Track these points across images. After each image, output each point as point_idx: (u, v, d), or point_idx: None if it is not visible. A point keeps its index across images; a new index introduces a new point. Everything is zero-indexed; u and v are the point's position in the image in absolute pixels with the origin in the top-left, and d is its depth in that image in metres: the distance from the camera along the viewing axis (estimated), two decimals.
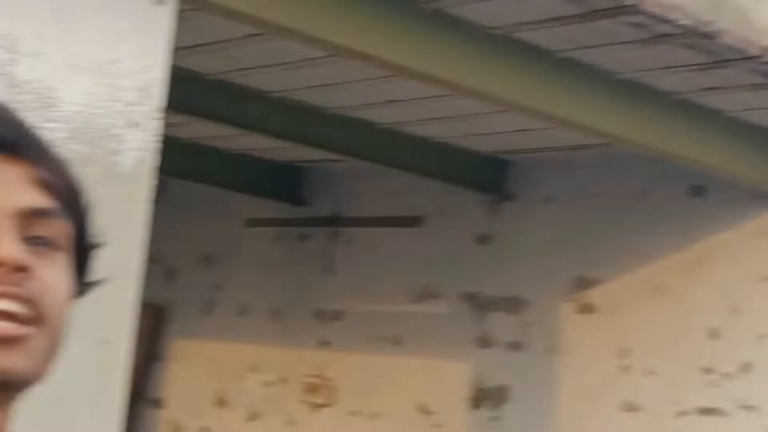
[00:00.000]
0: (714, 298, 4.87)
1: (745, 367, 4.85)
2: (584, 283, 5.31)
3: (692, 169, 4.78)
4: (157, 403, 7.23)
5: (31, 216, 0.98)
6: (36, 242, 0.96)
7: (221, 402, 6.83)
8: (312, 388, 6.35)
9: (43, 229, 0.98)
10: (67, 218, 1.00)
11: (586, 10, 3.80)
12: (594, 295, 5.26)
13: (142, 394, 6.97)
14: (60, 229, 0.99)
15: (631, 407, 5.09)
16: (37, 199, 0.99)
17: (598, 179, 5.34)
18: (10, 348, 0.93)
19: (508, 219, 5.68)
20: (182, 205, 6.39)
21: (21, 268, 0.93)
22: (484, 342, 5.64)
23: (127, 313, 3.08)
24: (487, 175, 5.69)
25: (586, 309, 5.28)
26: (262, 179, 6.56)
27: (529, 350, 5.47)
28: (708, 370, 4.86)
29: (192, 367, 7.04)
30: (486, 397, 5.58)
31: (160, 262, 6.53)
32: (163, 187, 3.21)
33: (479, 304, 5.70)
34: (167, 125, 3.25)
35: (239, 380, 6.75)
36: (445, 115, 5.06)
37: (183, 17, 3.27)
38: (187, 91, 3.77)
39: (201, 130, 5.64)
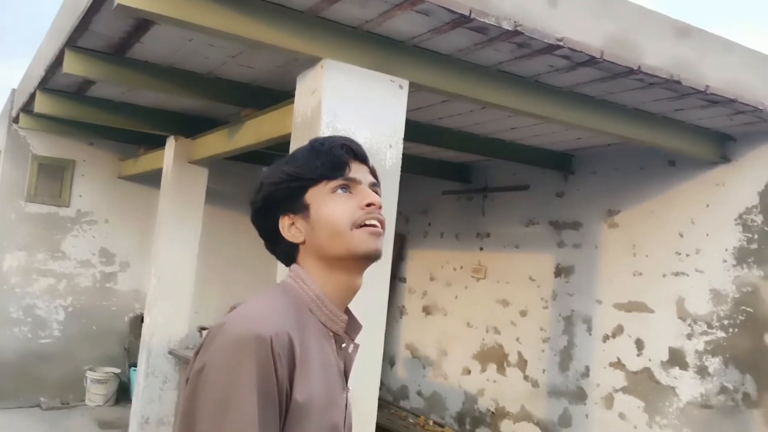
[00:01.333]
0: (680, 218, 4.71)
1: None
2: (612, 213, 5.20)
3: (668, 152, 4.64)
4: (403, 279, 7.37)
5: (372, 186, 1.20)
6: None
7: (432, 278, 6.99)
8: (476, 269, 6.42)
9: (376, 191, 1.20)
10: (379, 187, 1.23)
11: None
12: (617, 219, 5.16)
13: (397, 276, 7.15)
14: (379, 192, 1.21)
15: (636, 273, 4.92)
16: (373, 179, 1.22)
17: (618, 160, 5.20)
18: (378, 239, 1.16)
19: (572, 183, 5.61)
20: (412, 186, 5.97)
21: (380, 206, 1.17)
22: (561, 244, 5.60)
23: (390, 237, 2.98)
24: (561, 162, 5.58)
25: (613, 225, 5.18)
26: (450, 170, 6.58)
27: (583, 248, 5.40)
28: (678, 253, 4.70)
29: (418, 263, 7.25)
30: (562, 271, 5.57)
31: (402, 213, 6.72)
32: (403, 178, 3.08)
33: (558, 226, 5.65)
34: (405, 148, 3.13)
35: (440, 268, 6.89)
36: (539, 133, 4.96)
37: (411, 94, 3.11)
38: (412, 130, 3.43)
39: (423, 150, 5.49)
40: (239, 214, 7.16)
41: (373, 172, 1.22)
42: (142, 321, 5.98)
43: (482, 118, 4.67)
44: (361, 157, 1.20)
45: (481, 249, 6.45)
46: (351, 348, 1.19)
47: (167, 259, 5.29)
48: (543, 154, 5.53)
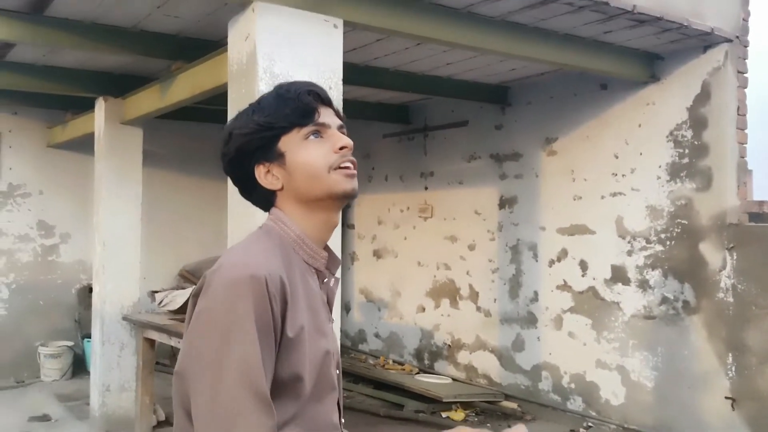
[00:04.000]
0: (615, 140, 4.83)
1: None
2: (550, 141, 5.30)
3: (600, 75, 4.79)
4: (351, 226, 7.37)
5: (340, 128, 1.23)
6: None
7: (380, 222, 7.03)
8: (422, 209, 6.47)
9: (343, 133, 1.24)
10: (345, 128, 1.25)
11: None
12: (555, 146, 5.26)
13: (345, 223, 6.92)
14: (345, 132, 1.24)
15: (576, 197, 5.07)
16: (339, 121, 1.24)
17: (552, 88, 5.28)
18: (354, 179, 1.20)
19: (510, 115, 5.67)
20: (353, 131, 6.31)
21: (351, 147, 1.21)
22: (503, 176, 5.69)
23: None
24: (497, 95, 5.63)
25: (551, 153, 5.29)
26: (390, 112, 6.55)
27: (525, 178, 5.51)
28: (614, 174, 4.84)
29: (365, 208, 7.14)
30: (506, 202, 5.67)
31: None
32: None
33: (498, 158, 5.73)
34: (344, 92, 3.04)
35: (387, 211, 6.93)
36: (474, 67, 4.94)
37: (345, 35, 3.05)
38: (349, 73, 3.21)
39: (361, 93, 5.53)
40: (181, 174, 7.01)
41: (338, 114, 1.25)
42: (90, 291, 5.84)
43: (418, 55, 4.65)
44: (327, 101, 1.23)
45: (426, 188, 6.52)
46: (332, 282, 1.25)
47: (110, 226, 5.15)
48: (479, 88, 5.56)
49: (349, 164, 1.19)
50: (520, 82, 5.50)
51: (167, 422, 4.80)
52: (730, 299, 4.15)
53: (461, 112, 6.10)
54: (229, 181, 3.17)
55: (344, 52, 3.10)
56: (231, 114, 3.02)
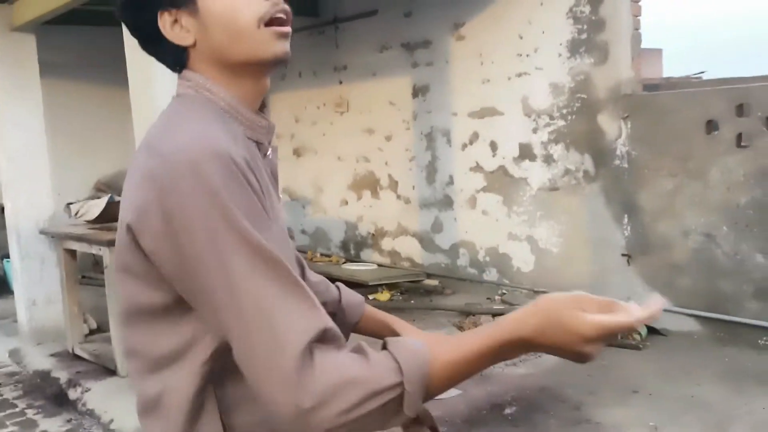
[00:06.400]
0: (519, 20, 4.94)
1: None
2: (458, 26, 5.38)
3: None
4: None
5: None
6: None
7: (297, 119, 7.04)
8: (338, 104, 6.52)
9: None
10: None
11: None
12: (462, 31, 5.35)
13: None
14: None
15: (485, 80, 5.22)
16: None
17: None
18: (288, 39, 0.96)
19: (418, 2, 5.59)
20: None
21: None
22: (414, 65, 5.76)
23: None
24: None
25: (460, 38, 5.39)
26: (296, 5, 6.53)
27: (435, 65, 5.59)
28: (519, 55, 5.00)
29: (281, 107, 7.08)
30: (419, 91, 5.78)
31: None
32: None
33: (409, 47, 5.79)
34: None
35: (304, 108, 6.94)
36: None
37: None
38: None
39: None
40: (83, 82, 6.75)
41: None
42: (2, 210, 5.71)
43: None
44: None
45: (341, 82, 6.53)
46: (270, 152, 1.05)
47: (13, 139, 5.00)
48: None
49: (282, 15, 0.94)
50: None
51: (100, 330, 4.88)
52: (625, 165, 4.49)
53: (370, 2, 6.05)
54: (131, 83, 3.13)
55: None
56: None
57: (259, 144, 0.99)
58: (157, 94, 2.82)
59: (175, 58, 0.97)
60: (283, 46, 0.95)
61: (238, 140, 0.90)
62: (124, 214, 0.88)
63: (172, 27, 0.93)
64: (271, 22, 0.93)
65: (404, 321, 1.24)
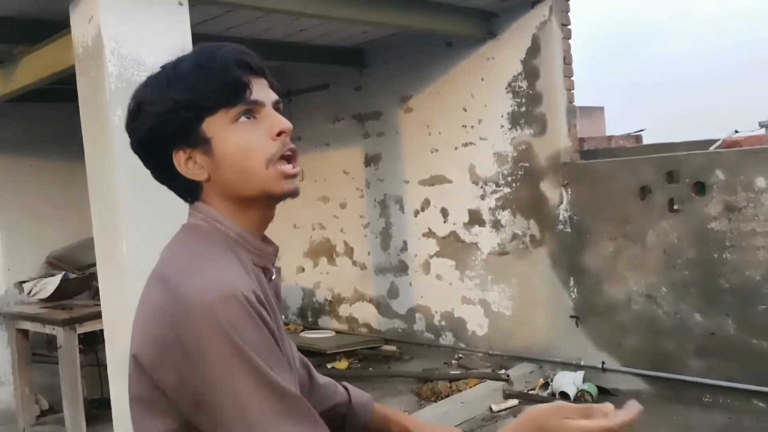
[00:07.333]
0: (462, 94, 5.20)
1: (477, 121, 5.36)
2: (405, 99, 5.62)
3: (444, 34, 5.10)
4: None
5: (276, 105, 1.03)
6: None
7: None
8: None
9: (279, 110, 1.03)
10: (281, 103, 1.05)
11: None
12: (410, 103, 5.59)
13: None
14: (281, 109, 1.04)
15: (433, 150, 5.45)
16: (275, 96, 1.03)
17: (404, 48, 5.51)
18: (296, 178, 1.00)
19: (367, 76, 5.92)
20: None
21: (290, 132, 1.01)
22: (366, 135, 5.98)
23: None
24: (354, 57, 5.84)
25: (408, 110, 5.62)
26: None
27: (386, 135, 5.83)
28: (464, 126, 5.25)
29: None
30: (371, 160, 5.97)
31: None
32: None
33: (361, 118, 6.00)
34: None
35: None
36: (327, 32, 5.10)
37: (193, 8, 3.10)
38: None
39: None
40: (35, 158, 6.75)
41: (273, 85, 1.04)
42: None
43: (271, 23, 4.77)
44: (260, 71, 1.01)
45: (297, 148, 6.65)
46: (275, 275, 1.07)
47: None
48: (336, 51, 5.77)
49: (290, 153, 1.00)
50: (374, 44, 5.76)
51: (52, 410, 4.80)
52: (569, 230, 4.72)
53: (321, 76, 6.29)
54: (88, 159, 3.21)
55: (196, 24, 3.20)
56: (82, 101, 3.07)
57: (264, 269, 1.03)
58: (114, 169, 2.86)
59: (187, 190, 1.02)
60: (292, 184, 1.00)
61: (249, 270, 0.96)
62: (134, 345, 0.92)
63: (186, 163, 0.99)
64: (279, 162, 0.98)
65: (413, 417, 1.29)
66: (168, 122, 0.97)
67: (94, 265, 3.60)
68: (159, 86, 0.98)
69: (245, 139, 0.97)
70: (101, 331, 3.52)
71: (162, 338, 0.88)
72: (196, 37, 3.20)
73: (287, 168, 0.99)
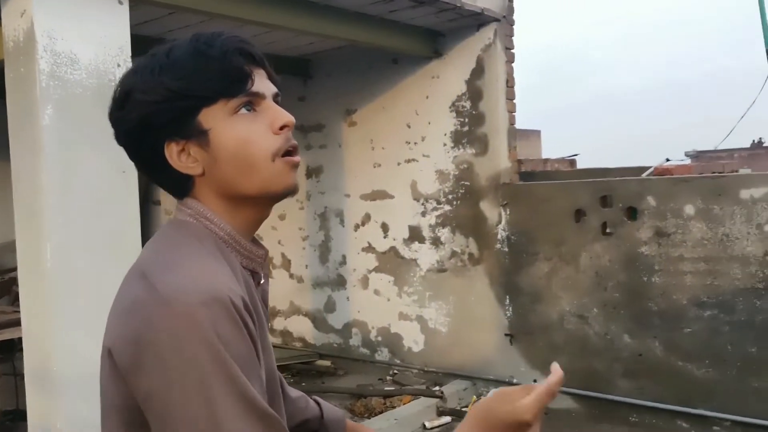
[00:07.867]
0: (407, 110, 5.24)
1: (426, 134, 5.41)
2: (350, 112, 5.62)
3: (390, 50, 5.10)
4: (157, 202, 7.12)
5: (276, 97, 0.97)
6: None
7: None
8: None
9: (279, 103, 0.98)
10: (280, 96, 0.99)
11: None
12: (354, 117, 5.60)
13: (150, 199, 6.96)
14: (280, 102, 0.98)
15: (376, 164, 5.48)
16: (275, 88, 0.98)
17: (350, 61, 5.57)
18: (296, 171, 0.96)
19: (311, 87, 5.90)
20: None
21: (293, 126, 0.95)
22: (308, 147, 5.91)
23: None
24: (299, 67, 5.82)
25: (352, 124, 5.63)
26: None
27: (329, 148, 5.82)
28: (407, 142, 5.29)
29: None
30: (313, 172, 5.95)
31: None
32: None
33: (303, 129, 5.91)
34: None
35: None
36: (273, 41, 5.02)
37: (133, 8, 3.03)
38: (142, 46, 3.10)
39: None
40: None
41: (272, 77, 0.99)
42: None
43: (214, 28, 4.64)
44: (261, 61, 0.97)
45: None
46: (263, 280, 1.02)
47: None
48: (281, 61, 5.71)
49: (292, 149, 0.95)
50: (320, 55, 5.75)
51: None
52: (506, 249, 4.80)
53: None
54: (13, 159, 3.08)
55: (136, 24, 3.17)
56: (9, 98, 2.93)
57: (253, 273, 0.98)
58: (41, 171, 2.75)
59: (177, 185, 0.96)
60: (292, 179, 0.95)
61: (237, 273, 0.90)
62: (108, 338, 0.85)
63: (179, 156, 0.92)
64: (283, 156, 0.94)
65: None
66: (160, 112, 0.90)
67: (15, 269, 3.43)
68: (150, 71, 0.92)
69: (246, 132, 0.91)
70: (20, 339, 3.35)
71: (137, 334, 0.81)
72: (136, 38, 3.14)
73: (291, 158, 0.94)
